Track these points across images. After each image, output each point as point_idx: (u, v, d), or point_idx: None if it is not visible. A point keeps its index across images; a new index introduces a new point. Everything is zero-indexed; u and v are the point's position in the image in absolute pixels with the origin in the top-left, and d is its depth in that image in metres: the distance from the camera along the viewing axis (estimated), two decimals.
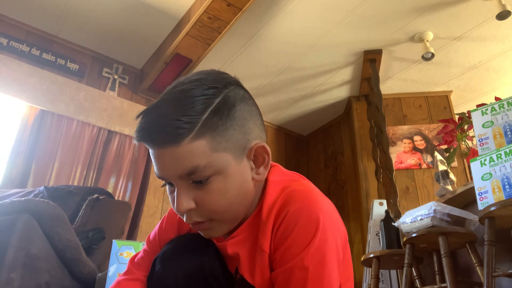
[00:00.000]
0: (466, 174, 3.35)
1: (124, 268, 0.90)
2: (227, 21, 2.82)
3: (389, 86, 3.75)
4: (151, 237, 0.90)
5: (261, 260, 0.72)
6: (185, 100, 0.66)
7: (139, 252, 0.91)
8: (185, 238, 0.83)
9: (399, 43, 3.31)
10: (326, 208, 0.70)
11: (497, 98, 1.83)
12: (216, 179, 0.67)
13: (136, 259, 0.89)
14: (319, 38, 3.25)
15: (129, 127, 3.29)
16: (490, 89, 3.77)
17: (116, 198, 2.93)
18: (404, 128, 3.65)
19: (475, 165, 1.63)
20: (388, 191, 3.02)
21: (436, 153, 2.40)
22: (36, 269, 1.63)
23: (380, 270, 2.19)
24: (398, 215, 2.74)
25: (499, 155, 1.57)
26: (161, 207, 3.31)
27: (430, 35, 3.19)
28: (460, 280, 1.74)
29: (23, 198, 1.71)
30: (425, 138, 3.59)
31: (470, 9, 2.97)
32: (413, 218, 1.83)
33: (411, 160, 3.49)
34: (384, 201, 2.65)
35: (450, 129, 2.32)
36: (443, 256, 1.66)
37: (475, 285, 1.80)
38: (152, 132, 0.65)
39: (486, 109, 1.73)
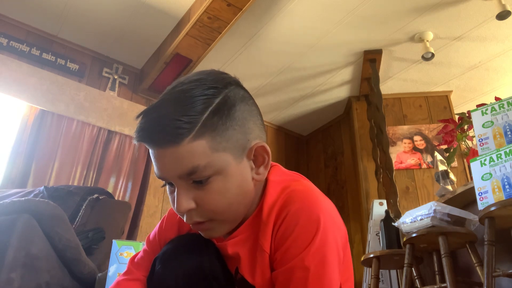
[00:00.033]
0: (466, 174, 3.35)
1: (124, 268, 0.90)
2: (227, 21, 2.82)
3: (389, 86, 3.75)
4: (151, 237, 0.90)
5: (261, 260, 0.72)
6: (185, 100, 0.66)
7: (139, 252, 0.91)
8: (185, 238, 0.83)
9: (399, 43, 3.31)
10: (327, 208, 0.70)
11: (497, 98, 1.83)
12: (216, 179, 0.67)
13: (136, 259, 0.89)
14: (319, 38, 3.25)
15: (129, 127, 3.29)
16: (490, 89, 3.77)
17: (116, 198, 2.93)
18: (404, 128, 3.65)
19: (475, 165, 1.63)
20: (388, 191, 3.02)
21: (436, 153, 2.40)
22: (36, 269, 1.63)
23: (380, 270, 2.19)
24: (398, 215, 2.74)
25: (499, 155, 1.57)
26: (161, 207, 3.31)
27: (430, 35, 3.19)
28: (460, 280, 1.74)
29: (23, 198, 1.71)
30: (425, 138, 3.59)
31: (470, 9, 2.97)
32: (413, 218, 1.83)
33: (411, 160, 3.49)
34: (384, 201, 2.65)
35: (450, 129, 2.32)
36: (443, 256, 1.66)
37: (475, 285, 1.80)
38: (152, 132, 0.65)
39: (486, 109, 1.73)
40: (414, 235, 1.79)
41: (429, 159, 3.47)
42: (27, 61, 3.08)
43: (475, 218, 1.73)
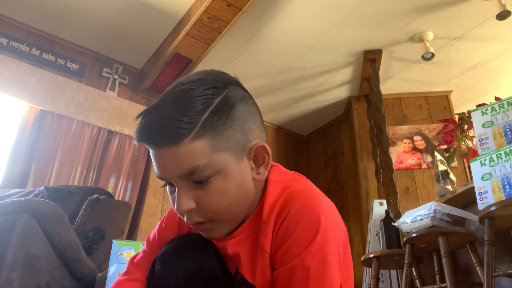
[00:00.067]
0: (466, 174, 3.35)
1: (124, 268, 0.90)
2: (227, 21, 2.82)
3: (389, 86, 3.75)
4: (150, 237, 0.90)
5: (262, 260, 0.72)
6: (185, 100, 0.66)
7: (138, 253, 0.91)
8: (184, 238, 0.83)
9: (399, 43, 3.31)
10: (327, 208, 0.71)
11: (497, 98, 1.83)
12: (216, 179, 0.67)
13: (135, 260, 0.89)
14: (319, 38, 3.25)
15: (129, 127, 3.29)
16: (490, 89, 3.77)
17: (116, 198, 2.93)
18: (404, 128, 3.65)
19: (475, 165, 1.63)
20: (388, 191, 3.02)
21: (436, 153, 2.40)
22: (36, 269, 1.63)
23: (380, 270, 2.19)
24: (398, 215, 2.74)
25: (499, 155, 1.57)
26: (161, 207, 3.31)
27: (430, 35, 3.19)
28: (460, 280, 1.74)
29: (23, 198, 1.71)
30: (425, 138, 3.59)
31: (470, 9, 2.97)
32: (413, 218, 1.83)
33: (411, 160, 3.49)
34: (384, 201, 2.65)
35: (450, 129, 2.32)
36: (443, 256, 1.66)
37: (475, 285, 1.80)
38: (152, 132, 0.65)
39: (486, 109, 1.73)
40: (414, 235, 1.79)
41: (429, 159, 3.47)
42: (27, 61, 3.08)
43: (475, 218, 1.73)
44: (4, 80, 2.88)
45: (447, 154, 2.35)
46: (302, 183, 0.75)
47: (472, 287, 1.84)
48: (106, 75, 3.45)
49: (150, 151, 0.68)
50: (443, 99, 3.78)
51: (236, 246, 0.75)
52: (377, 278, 2.04)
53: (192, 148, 0.65)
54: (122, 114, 3.31)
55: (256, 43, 3.29)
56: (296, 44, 3.31)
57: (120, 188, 3.12)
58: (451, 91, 3.80)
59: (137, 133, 0.67)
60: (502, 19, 2.81)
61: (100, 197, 2.43)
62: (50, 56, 3.20)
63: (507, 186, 1.50)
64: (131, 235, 3.05)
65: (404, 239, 1.88)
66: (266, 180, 0.76)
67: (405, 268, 1.82)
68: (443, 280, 1.81)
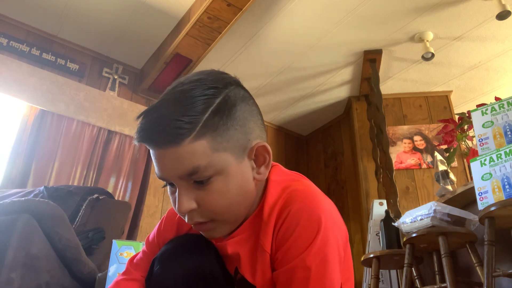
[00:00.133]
0: (466, 174, 3.35)
1: (124, 268, 0.90)
2: (227, 21, 2.82)
3: (389, 86, 3.75)
4: (150, 238, 0.90)
5: (262, 260, 0.72)
6: (185, 100, 0.66)
7: (138, 253, 0.91)
8: (184, 238, 0.83)
9: (399, 43, 3.31)
10: (327, 207, 0.71)
11: (497, 98, 1.83)
12: (217, 179, 0.67)
13: (135, 260, 0.89)
14: (319, 38, 3.25)
15: (129, 127, 3.29)
16: (490, 89, 3.77)
17: (116, 198, 2.93)
18: (404, 128, 3.65)
19: (475, 165, 1.63)
20: (388, 191, 3.02)
21: (436, 153, 2.40)
22: (36, 269, 1.63)
23: (380, 270, 2.19)
24: (398, 215, 2.74)
25: (499, 155, 1.57)
26: (161, 207, 3.31)
27: (430, 35, 3.19)
28: (460, 280, 1.74)
29: (23, 198, 1.71)
30: (425, 138, 3.59)
31: (470, 9, 2.97)
32: (413, 218, 1.83)
33: (411, 160, 3.49)
34: (384, 201, 2.65)
35: (450, 129, 2.32)
36: (443, 256, 1.66)
37: (475, 285, 1.80)
38: (152, 132, 0.65)
39: (486, 109, 1.73)
40: (414, 235, 1.79)
41: (429, 159, 3.47)
42: (27, 61, 3.08)
43: (475, 218, 1.73)
44: (4, 80, 2.88)
45: (447, 154, 2.35)
46: (302, 183, 0.75)
47: (472, 287, 1.84)
48: (106, 75, 3.45)
49: (151, 151, 0.68)
50: (443, 99, 3.78)
51: (236, 246, 0.75)
52: (377, 278, 2.04)
53: (193, 148, 0.65)
54: (122, 114, 3.31)
55: (256, 43, 3.29)
56: (296, 44, 3.31)
57: (120, 188, 3.12)
58: (451, 91, 3.80)
59: (138, 133, 0.67)
60: (502, 19, 2.81)
61: (100, 197, 2.43)
62: (50, 56, 3.20)
63: (507, 186, 1.50)
64: (131, 235, 3.05)
65: (404, 239, 1.88)
66: (267, 180, 0.76)
67: (405, 268, 1.82)
68: (443, 280, 1.81)
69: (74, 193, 2.33)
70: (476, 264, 1.66)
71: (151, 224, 3.17)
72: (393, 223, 2.09)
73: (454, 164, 3.33)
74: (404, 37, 3.24)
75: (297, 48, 3.36)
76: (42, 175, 2.84)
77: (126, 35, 3.30)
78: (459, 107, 3.86)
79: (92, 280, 1.84)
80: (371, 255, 2.08)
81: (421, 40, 3.22)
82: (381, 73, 3.51)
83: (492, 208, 1.48)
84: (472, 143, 2.26)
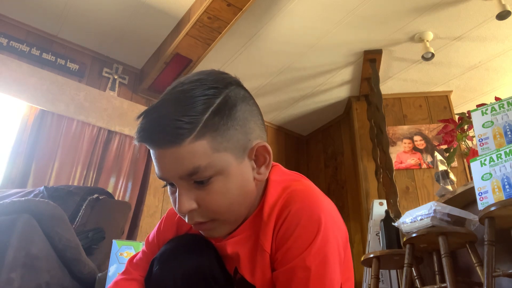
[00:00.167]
0: (466, 174, 3.35)
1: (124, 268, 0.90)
2: (227, 21, 2.82)
3: (389, 86, 3.75)
4: (149, 238, 0.90)
5: (262, 260, 0.72)
6: (185, 100, 0.66)
7: (137, 253, 0.91)
8: (183, 238, 0.83)
9: (399, 43, 3.31)
10: (327, 208, 0.71)
11: (497, 98, 1.83)
12: (217, 179, 0.67)
13: (134, 260, 0.89)
14: (319, 38, 3.25)
15: (129, 127, 3.29)
16: (490, 89, 3.77)
17: (116, 198, 2.93)
18: (404, 128, 3.65)
19: (475, 165, 1.63)
20: (388, 191, 3.02)
21: (436, 153, 2.40)
22: (36, 269, 1.63)
23: (380, 270, 2.19)
24: (398, 215, 2.74)
25: (499, 155, 1.57)
26: (161, 207, 3.31)
27: (430, 35, 3.19)
28: (460, 280, 1.74)
29: (23, 198, 1.71)
30: (425, 138, 3.59)
31: (470, 9, 2.97)
32: (413, 218, 1.83)
33: (411, 160, 3.49)
34: (384, 201, 2.65)
35: (450, 129, 2.32)
36: (443, 256, 1.66)
37: (475, 285, 1.80)
38: (152, 132, 0.65)
39: (486, 109, 1.73)
40: (414, 235, 1.79)
41: (429, 159, 3.47)
42: (27, 61, 3.08)
43: (475, 218, 1.73)
44: (4, 80, 2.88)
45: (447, 154, 2.35)
46: (302, 183, 0.75)
47: (472, 287, 1.84)
48: (106, 75, 3.45)
49: (151, 151, 0.68)
50: (443, 99, 3.78)
51: (236, 245, 0.75)
52: (377, 278, 2.04)
53: (193, 148, 0.64)
54: (122, 114, 3.31)
55: (256, 43, 3.29)
56: (296, 44, 3.31)
57: (120, 188, 3.12)
58: (451, 91, 3.80)
59: (138, 133, 0.67)
60: (502, 19, 2.81)
61: (100, 197, 2.43)
62: (50, 56, 3.20)
63: (507, 186, 1.50)
64: (131, 235, 3.05)
65: (404, 239, 1.88)
66: (267, 180, 0.76)
67: (405, 268, 1.82)
68: (443, 280, 1.81)
69: (74, 193, 2.33)
70: (476, 264, 1.66)
71: (151, 224, 3.17)
72: (393, 223, 2.09)
73: (454, 164, 3.33)
74: (404, 37, 3.24)
75: (297, 48, 3.36)
76: (42, 175, 2.84)
77: (126, 35, 3.30)
78: (459, 107, 3.87)
79: (92, 280, 1.84)
80: (371, 255, 2.08)
81: (421, 40, 3.22)
82: (381, 73, 3.51)
83: (492, 208, 1.48)
84: (472, 143, 2.26)
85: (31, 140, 2.90)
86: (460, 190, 1.93)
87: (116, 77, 3.49)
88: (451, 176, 2.18)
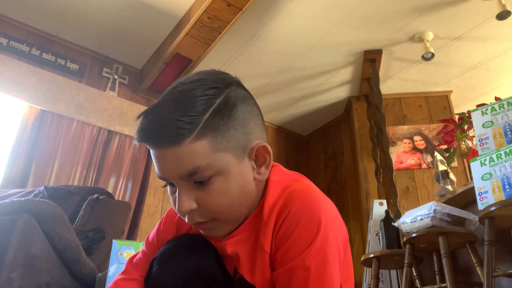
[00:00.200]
0: (466, 174, 3.35)
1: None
2: (227, 21, 2.82)
3: (389, 86, 3.75)
4: (149, 238, 0.90)
5: (261, 260, 0.72)
6: (185, 100, 0.65)
7: (137, 253, 0.91)
8: (183, 238, 0.83)
9: (399, 43, 3.31)
10: (327, 208, 0.71)
11: (497, 98, 1.83)
12: (218, 179, 0.67)
13: (134, 260, 0.89)
14: (319, 38, 3.25)
15: (129, 127, 3.29)
16: (490, 89, 3.77)
17: (116, 198, 2.93)
18: (404, 128, 3.65)
19: (475, 165, 1.63)
20: (388, 191, 3.02)
21: (436, 153, 2.40)
22: (36, 269, 1.63)
23: (380, 270, 2.19)
24: (398, 215, 2.74)
25: (499, 155, 1.57)
26: (161, 207, 3.31)
27: (430, 35, 3.19)
28: (460, 280, 1.74)
29: (23, 198, 1.71)
30: (425, 138, 3.59)
31: (470, 9, 2.97)
32: (413, 218, 1.83)
33: (411, 160, 3.49)
34: (384, 201, 2.65)
35: (450, 129, 2.32)
36: (443, 256, 1.66)
37: (475, 285, 1.80)
38: (152, 132, 0.65)
39: (486, 109, 1.73)
40: (414, 235, 1.79)
41: (429, 159, 3.47)
42: (27, 61, 3.08)
43: (475, 218, 1.73)
44: (4, 80, 2.88)
45: (447, 154, 2.35)
46: (302, 183, 0.75)
47: (472, 287, 1.84)
48: (106, 75, 3.45)
49: (151, 151, 0.68)
50: (443, 99, 3.78)
51: (236, 245, 0.75)
52: (377, 278, 2.04)
53: (193, 148, 0.64)
54: (122, 114, 3.31)
55: (256, 43, 3.29)
56: (296, 44, 3.31)
57: (120, 188, 3.12)
58: (451, 91, 3.80)
59: (138, 133, 0.67)
60: (502, 19, 2.81)
61: (100, 197, 2.43)
62: (50, 56, 3.20)
63: (507, 186, 1.50)
64: (131, 235, 3.05)
65: (404, 239, 1.88)
66: (267, 180, 0.76)
67: (405, 268, 1.82)
68: (443, 280, 1.81)
69: (74, 193, 2.33)
70: (476, 264, 1.66)
71: (151, 224, 3.17)
72: (393, 223, 2.09)
73: (454, 164, 3.33)
74: (404, 37, 3.24)
75: (297, 48, 3.36)
76: (42, 175, 2.84)
77: (126, 35, 3.30)
78: (459, 107, 3.87)
79: (92, 280, 1.84)
80: (371, 255, 2.08)
81: (421, 40, 3.22)
82: (381, 73, 3.51)
83: (492, 208, 1.48)
84: (472, 143, 2.26)
85: (31, 140, 2.90)
86: (460, 190, 1.93)
87: (116, 77, 3.49)
88: (451, 176, 2.18)
